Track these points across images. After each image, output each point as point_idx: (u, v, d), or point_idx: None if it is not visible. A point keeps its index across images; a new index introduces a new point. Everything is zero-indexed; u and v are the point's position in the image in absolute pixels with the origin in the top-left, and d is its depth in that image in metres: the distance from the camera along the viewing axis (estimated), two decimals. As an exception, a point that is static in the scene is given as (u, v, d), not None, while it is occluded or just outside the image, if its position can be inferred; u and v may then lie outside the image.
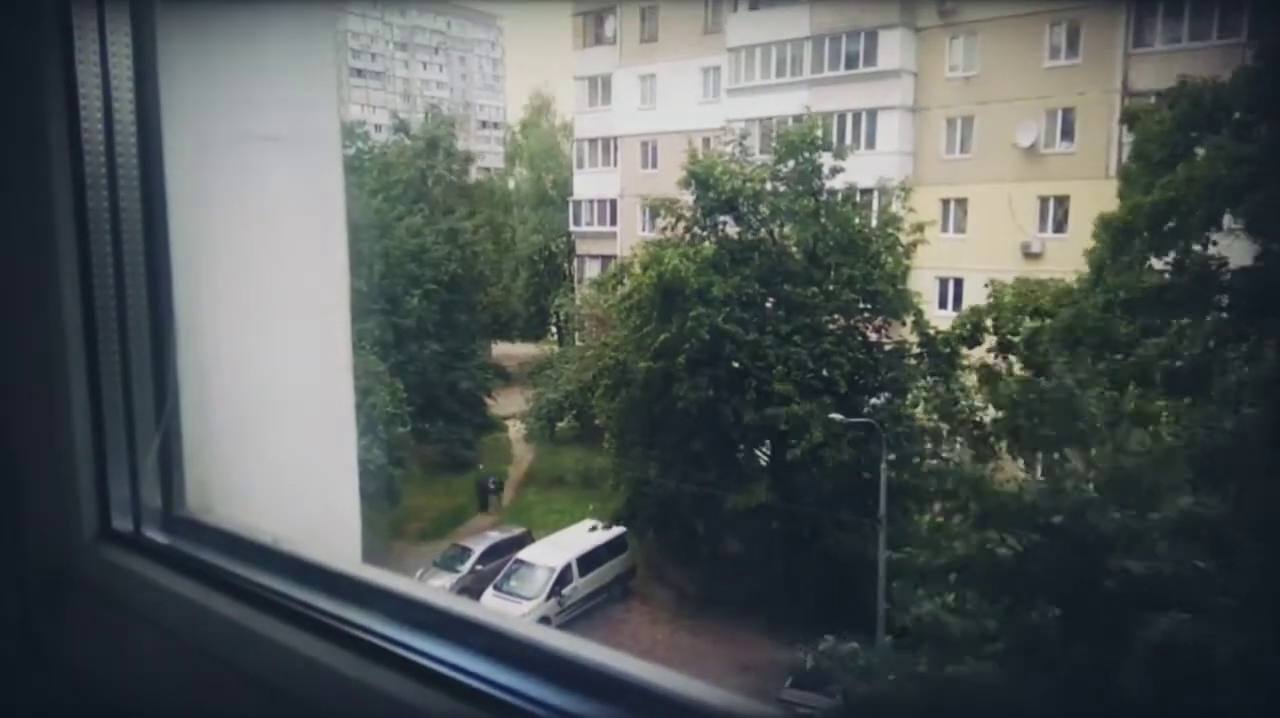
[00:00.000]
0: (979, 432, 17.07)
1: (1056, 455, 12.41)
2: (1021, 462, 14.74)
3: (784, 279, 21.71)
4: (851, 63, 29.62)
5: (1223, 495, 10.64)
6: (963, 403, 18.67)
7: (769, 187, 22.31)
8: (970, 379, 18.90)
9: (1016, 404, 13.78)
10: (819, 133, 22.43)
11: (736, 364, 20.75)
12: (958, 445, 16.74)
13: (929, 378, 20.74)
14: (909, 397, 20.82)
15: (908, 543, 12.78)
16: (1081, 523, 10.30)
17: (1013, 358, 19.49)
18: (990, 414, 16.67)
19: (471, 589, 20.88)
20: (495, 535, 24.23)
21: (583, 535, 22.80)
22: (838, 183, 22.14)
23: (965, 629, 10.56)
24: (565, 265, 42.79)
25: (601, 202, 38.57)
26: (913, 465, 18.87)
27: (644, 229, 31.27)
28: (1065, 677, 10.16)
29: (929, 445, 19.47)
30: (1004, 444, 15.14)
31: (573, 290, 38.46)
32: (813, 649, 12.94)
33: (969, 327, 20.99)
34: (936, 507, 12.37)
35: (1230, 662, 8.72)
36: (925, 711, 10.89)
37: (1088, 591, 10.21)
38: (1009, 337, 20.33)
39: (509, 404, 32.26)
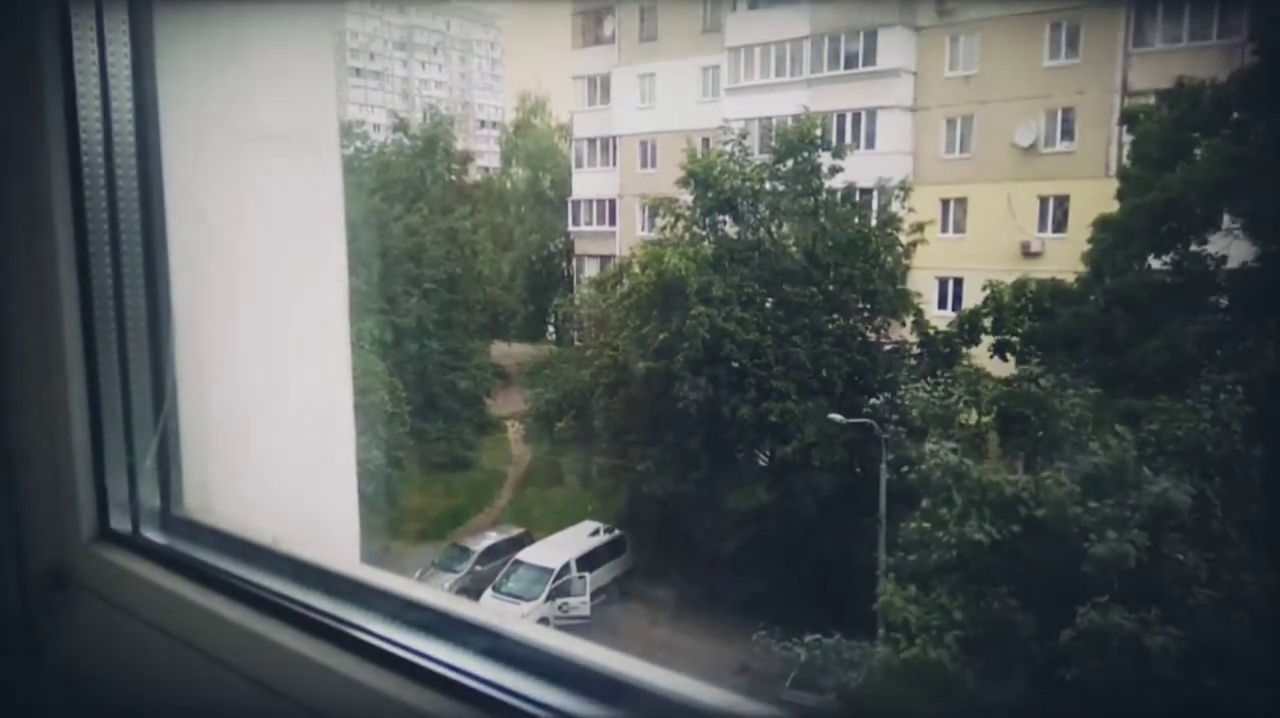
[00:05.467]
0: (966, 432, 17.09)
1: (1040, 457, 12.51)
2: (1009, 461, 14.82)
3: (783, 279, 21.68)
4: (851, 62, 29.59)
5: (1208, 489, 10.75)
6: (951, 404, 18.62)
7: (768, 186, 22.30)
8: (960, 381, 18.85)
9: (1000, 404, 13.85)
10: (818, 132, 22.43)
11: (736, 364, 20.74)
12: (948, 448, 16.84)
13: (927, 380, 20.71)
14: (907, 397, 20.79)
15: (904, 543, 12.80)
16: (1060, 515, 10.39)
17: (1010, 358, 19.51)
18: (977, 417, 16.72)
19: (470, 590, 20.83)
20: (494, 536, 24.19)
21: (582, 537, 22.78)
22: (837, 182, 22.17)
23: (922, 618, 10.68)
24: (564, 265, 42.75)
25: (600, 201, 38.54)
26: (910, 461, 18.85)
27: (643, 229, 31.26)
28: (1031, 666, 10.27)
29: (928, 447, 19.46)
30: (993, 444, 15.23)
31: (571, 290, 38.42)
32: (802, 648, 12.97)
33: (968, 327, 20.98)
34: (924, 502, 12.40)
35: (1162, 652, 8.90)
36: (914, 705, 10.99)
37: (1057, 579, 10.32)
38: (1009, 337, 20.34)
39: (507, 405, 32.23)
